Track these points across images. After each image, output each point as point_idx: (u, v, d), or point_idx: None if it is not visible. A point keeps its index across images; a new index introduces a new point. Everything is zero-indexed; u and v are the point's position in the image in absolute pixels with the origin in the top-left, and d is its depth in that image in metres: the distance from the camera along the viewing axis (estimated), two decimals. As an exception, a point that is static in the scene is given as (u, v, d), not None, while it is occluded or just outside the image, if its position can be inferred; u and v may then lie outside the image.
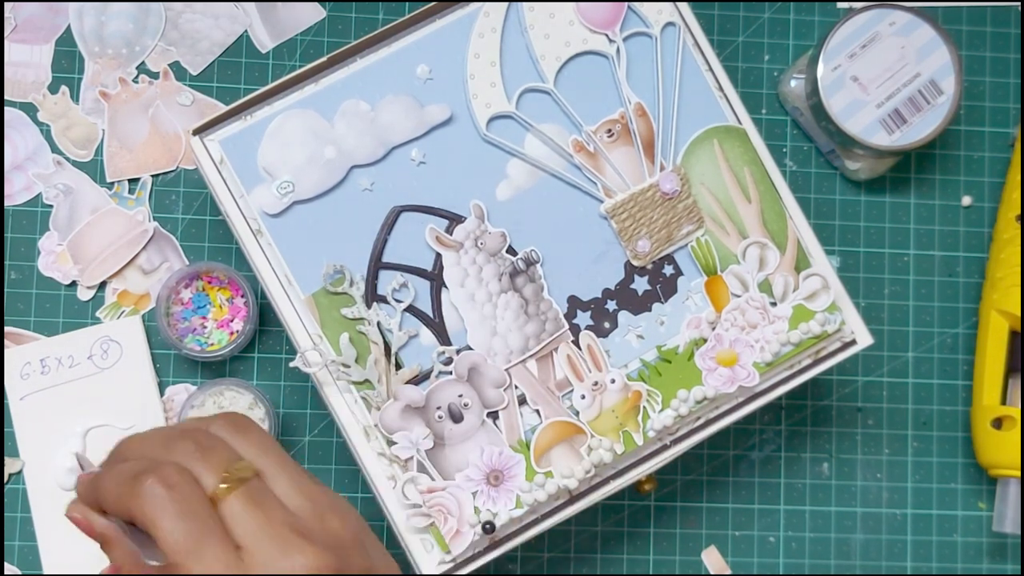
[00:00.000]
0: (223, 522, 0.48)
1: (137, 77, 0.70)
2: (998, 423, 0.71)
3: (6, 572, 0.66)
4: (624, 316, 0.63)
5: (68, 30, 0.69)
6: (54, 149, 0.69)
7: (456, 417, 0.60)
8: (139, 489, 0.48)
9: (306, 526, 0.49)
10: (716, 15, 0.74)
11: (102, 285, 0.69)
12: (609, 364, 0.62)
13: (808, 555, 0.72)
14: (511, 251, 0.62)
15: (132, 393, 0.67)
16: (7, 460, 0.67)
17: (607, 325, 0.62)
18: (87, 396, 0.67)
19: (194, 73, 0.70)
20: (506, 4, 0.62)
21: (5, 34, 0.69)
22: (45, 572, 0.67)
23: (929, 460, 0.74)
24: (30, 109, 0.69)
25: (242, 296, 0.67)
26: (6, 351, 0.67)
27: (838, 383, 0.73)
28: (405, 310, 0.61)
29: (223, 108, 0.62)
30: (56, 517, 0.66)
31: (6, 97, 0.69)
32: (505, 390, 0.61)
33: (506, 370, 0.61)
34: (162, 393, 0.68)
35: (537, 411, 0.61)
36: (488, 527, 0.59)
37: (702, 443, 0.64)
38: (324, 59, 0.61)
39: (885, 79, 0.69)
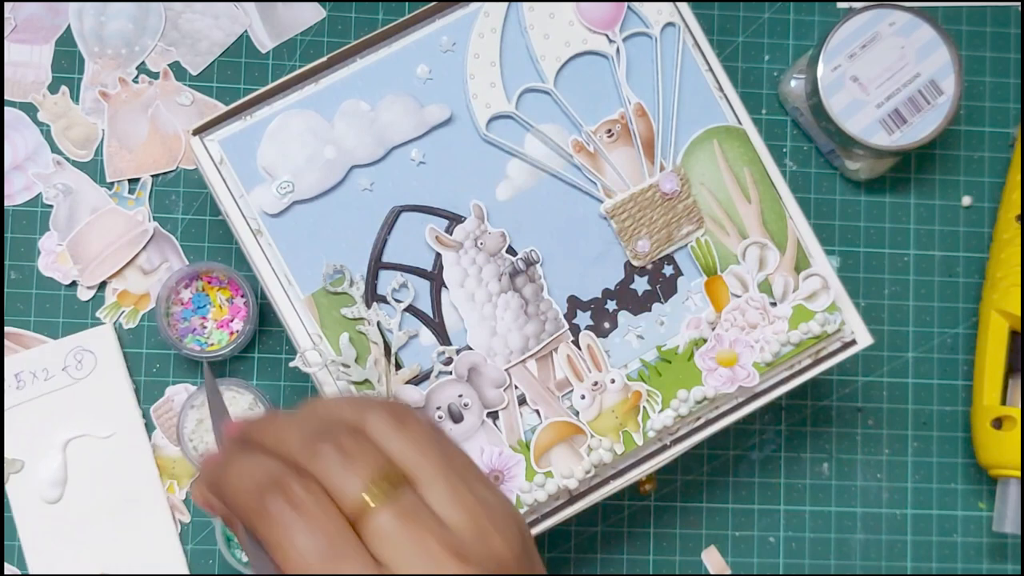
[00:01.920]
0: (366, 541, 0.42)
1: (137, 77, 0.70)
2: (998, 423, 0.71)
3: (6, 572, 0.66)
4: (624, 316, 0.63)
5: (68, 30, 0.69)
6: (54, 149, 0.69)
7: (456, 417, 0.60)
8: (263, 509, 0.42)
9: (464, 546, 0.42)
10: (716, 15, 0.74)
11: (102, 285, 0.69)
12: (609, 364, 0.62)
13: (808, 555, 0.72)
14: (511, 251, 0.62)
15: (109, 401, 0.67)
16: (10, 460, 0.67)
17: (607, 325, 0.62)
18: (65, 408, 0.67)
19: (194, 73, 0.70)
20: (506, 4, 0.62)
21: (5, 34, 0.69)
22: None
23: (929, 460, 0.74)
24: (30, 109, 0.69)
25: (242, 296, 0.67)
26: None
27: (838, 383, 0.73)
28: (405, 310, 0.61)
29: (223, 108, 0.62)
30: (41, 531, 0.66)
31: (6, 97, 0.69)
32: (505, 390, 0.61)
33: (506, 370, 0.61)
34: (162, 393, 0.68)
35: (537, 411, 0.61)
36: (488, 527, 0.59)
37: (702, 443, 0.64)
38: (324, 59, 0.61)
39: (885, 79, 0.69)
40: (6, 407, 0.67)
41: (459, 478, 0.44)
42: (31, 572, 0.66)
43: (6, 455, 0.66)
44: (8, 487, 0.67)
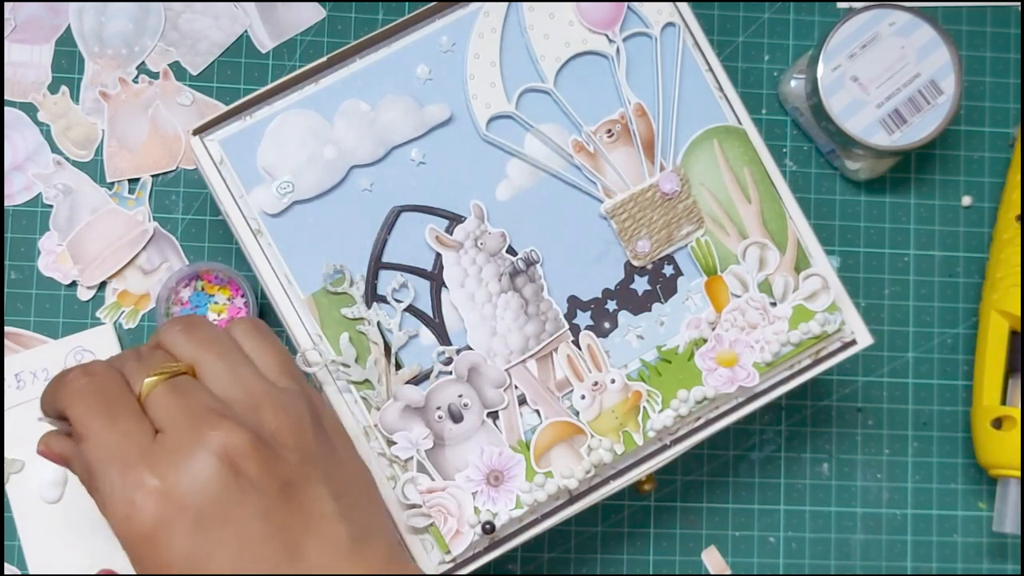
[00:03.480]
0: (147, 413, 0.48)
1: (137, 77, 0.70)
2: (998, 423, 0.71)
3: (6, 572, 0.66)
4: (624, 316, 0.63)
5: (68, 30, 0.69)
6: (54, 149, 0.69)
7: (456, 417, 0.60)
8: (65, 381, 0.49)
9: (230, 410, 0.48)
10: (716, 15, 0.74)
11: (102, 285, 0.69)
12: (609, 364, 0.62)
13: (808, 555, 0.72)
14: (511, 251, 0.62)
15: None
16: (8, 460, 0.67)
17: (607, 325, 0.62)
18: None
19: (194, 73, 0.70)
20: (506, 4, 0.62)
21: (5, 34, 0.69)
22: None
23: (929, 460, 0.74)
24: (30, 109, 0.69)
25: (242, 296, 0.67)
26: None
27: (838, 383, 0.73)
28: (405, 310, 0.61)
29: (223, 108, 0.62)
30: (41, 531, 0.66)
31: (6, 97, 0.69)
32: (505, 390, 0.61)
33: (506, 370, 0.61)
34: (162, 393, 0.68)
35: (537, 411, 0.61)
36: (488, 527, 0.59)
37: (702, 443, 0.64)
38: (324, 59, 0.61)
39: (885, 79, 0.69)
40: (6, 407, 0.67)
41: (244, 367, 0.51)
42: (31, 572, 0.66)
43: (6, 455, 0.66)
44: (8, 487, 0.67)
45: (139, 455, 0.46)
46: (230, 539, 0.46)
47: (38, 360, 0.67)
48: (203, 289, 0.68)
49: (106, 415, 0.48)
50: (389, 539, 0.52)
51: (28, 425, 0.67)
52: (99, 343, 0.68)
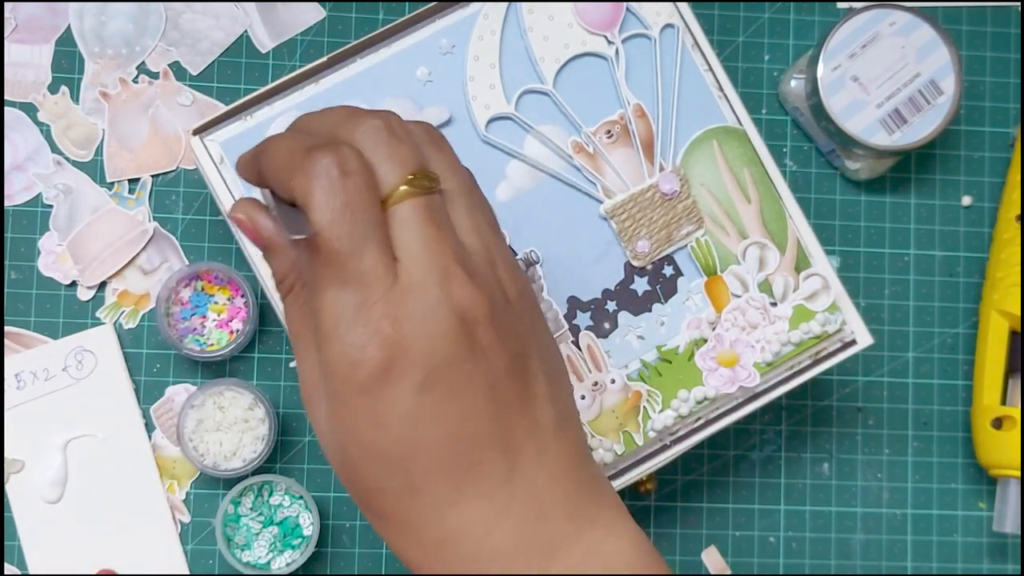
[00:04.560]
0: (388, 227, 0.42)
1: (137, 77, 0.70)
2: (998, 423, 0.71)
3: (6, 572, 0.66)
4: (624, 316, 0.63)
5: (68, 30, 0.69)
6: (54, 149, 0.69)
7: (456, 418, 0.60)
8: (310, 165, 0.41)
9: (471, 263, 0.43)
10: (716, 15, 0.74)
11: (102, 285, 0.69)
12: (609, 364, 0.62)
13: (808, 555, 0.72)
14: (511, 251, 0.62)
15: (109, 401, 0.67)
16: (11, 460, 0.67)
17: (607, 326, 0.62)
18: (65, 408, 0.67)
19: (194, 73, 0.70)
20: (505, 6, 0.62)
21: (5, 34, 0.69)
22: None
23: (929, 460, 0.74)
24: (30, 109, 0.69)
25: (242, 296, 0.67)
26: None
27: (838, 383, 0.73)
28: (405, 311, 0.61)
29: (223, 108, 0.62)
30: (41, 531, 0.66)
31: (6, 97, 0.69)
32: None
33: (506, 371, 0.61)
34: (162, 393, 0.68)
35: (537, 412, 0.61)
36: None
37: (702, 443, 0.64)
38: (324, 59, 0.61)
39: (885, 79, 0.69)
40: (7, 407, 0.67)
41: (481, 212, 0.45)
42: (31, 572, 0.66)
43: (7, 455, 0.66)
44: (8, 487, 0.67)
45: (379, 293, 0.41)
46: (453, 408, 0.42)
47: (38, 360, 0.67)
48: (203, 289, 0.68)
49: (356, 242, 0.41)
50: (579, 426, 0.48)
51: (29, 425, 0.67)
52: (99, 343, 0.68)
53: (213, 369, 0.69)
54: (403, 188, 0.42)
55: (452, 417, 0.42)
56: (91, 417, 0.67)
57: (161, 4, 0.70)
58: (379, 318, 0.41)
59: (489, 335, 0.42)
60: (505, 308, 0.43)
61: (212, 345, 0.67)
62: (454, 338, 0.42)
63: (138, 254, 0.69)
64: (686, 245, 0.63)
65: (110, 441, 0.67)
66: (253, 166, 0.45)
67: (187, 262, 0.69)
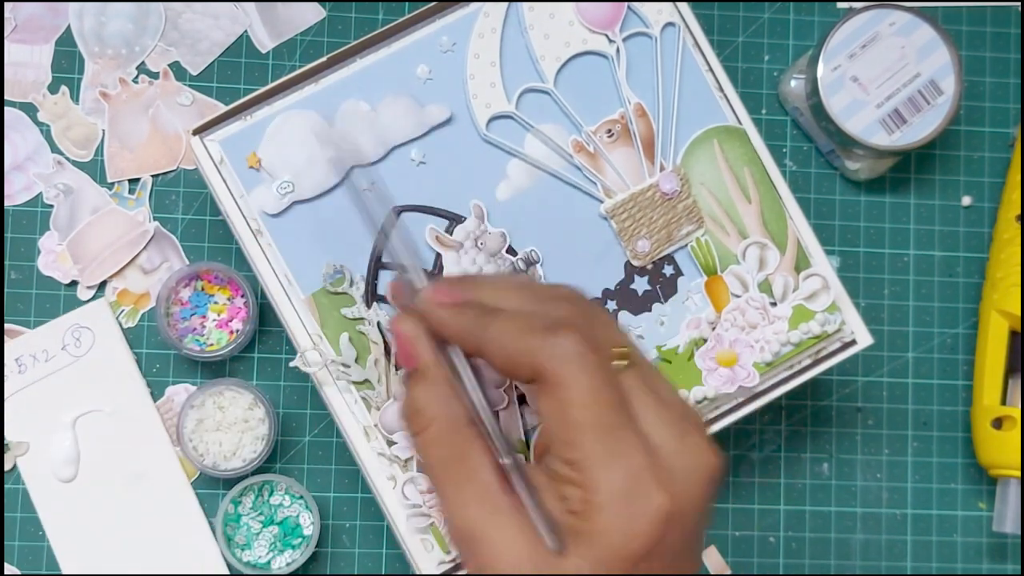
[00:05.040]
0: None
1: (137, 77, 0.70)
2: (998, 423, 0.71)
3: (6, 572, 0.66)
4: (624, 316, 0.62)
5: (68, 30, 0.69)
6: (54, 149, 0.69)
7: (456, 417, 0.60)
8: (557, 344, 0.43)
9: (692, 416, 0.45)
10: (716, 15, 0.74)
11: (102, 285, 0.69)
12: (609, 364, 0.62)
13: (808, 555, 0.72)
14: (511, 251, 0.62)
15: (113, 375, 0.68)
16: (15, 444, 0.67)
17: (607, 325, 0.62)
18: (69, 386, 0.67)
19: (194, 73, 0.70)
20: (506, 4, 0.62)
21: (5, 34, 0.69)
22: (61, 566, 0.67)
23: (929, 460, 0.74)
24: (30, 109, 0.69)
25: (242, 296, 0.67)
26: None
27: (838, 383, 0.73)
28: (405, 310, 0.61)
29: (223, 108, 0.62)
30: (60, 509, 0.67)
31: (6, 97, 0.69)
32: (505, 390, 0.61)
33: (506, 370, 0.61)
34: (162, 393, 0.68)
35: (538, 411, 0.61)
36: (488, 527, 0.59)
37: (702, 443, 0.64)
38: (324, 59, 0.61)
39: (885, 79, 0.69)
40: (10, 392, 0.67)
41: (662, 382, 0.47)
42: (56, 551, 0.66)
43: (15, 438, 0.67)
44: (22, 470, 0.67)
45: (648, 467, 0.43)
46: (690, 555, 0.45)
47: (37, 342, 0.67)
48: (203, 289, 0.68)
49: (617, 417, 0.43)
50: None
51: (35, 407, 0.67)
52: (95, 319, 0.68)
53: (213, 369, 0.69)
54: (619, 363, 0.44)
55: (688, 562, 0.45)
56: (96, 392, 0.67)
57: (161, 4, 0.70)
58: (655, 490, 0.42)
59: (712, 495, 0.45)
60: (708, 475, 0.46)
61: (212, 345, 0.67)
62: (709, 497, 0.44)
63: (138, 254, 0.69)
64: (686, 245, 0.63)
65: (118, 414, 0.67)
66: (472, 340, 0.46)
67: (187, 262, 0.69)
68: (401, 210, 0.61)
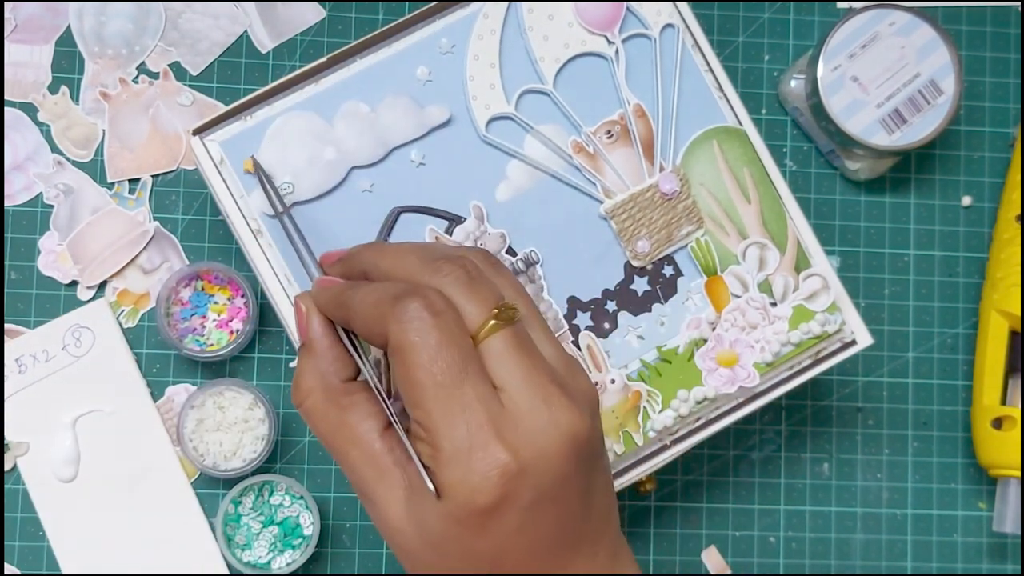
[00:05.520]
0: (483, 360, 0.45)
1: (137, 77, 0.70)
2: (998, 423, 0.71)
3: (6, 572, 0.66)
4: (624, 317, 0.63)
5: (68, 30, 0.69)
6: (54, 149, 0.69)
7: (456, 418, 0.60)
8: (401, 311, 0.45)
9: (560, 377, 0.46)
10: (716, 15, 0.74)
11: (102, 285, 0.69)
12: (609, 364, 0.62)
13: (808, 555, 0.72)
14: (511, 252, 0.62)
15: (113, 374, 0.68)
16: (15, 444, 0.67)
17: (607, 326, 0.62)
18: (69, 386, 0.67)
19: (194, 73, 0.70)
20: (505, 5, 0.62)
21: (5, 34, 0.69)
22: (61, 566, 0.67)
23: (929, 460, 0.74)
24: (30, 109, 0.69)
25: (242, 296, 0.67)
26: None
27: (838, 383, 0.73)
28: (405, 311, 0.61)
29: (223, 108, 0.62)
30: (61, 510, 0.67)
31: (6, 97, 0.69)
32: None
33: (506, 371, 0.61)
34: (162, 393, 0.68)
35: (537, 412, 0.61)
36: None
37: (702, 443, 0.64)
38: (324, 59, 0.61)
39: (885, 79, 0.69)
40: (10, 393, 0.67)
41: (546, 325, 0.49)
42: (56, 551, 0.66)
43: (15, 438, 0.67)
44: (22, 470, 0.67)
45: (489, 423, 0.44)
46: (552, 518, 0.45)
47: (37, 342, 0.67)
48: (203, 289, 0.68)
49: (457, 374, 0.44)
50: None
51: (35, 407, 0.67)
52: (95, 319, 0.68)
53: (213, 369, 0.69)
54: (491, 323, 0.45)
55: (550, 525, 0.45)
56: (96, 392, 0.67)
57: (161, 4, 0.70)
58: (495, 446, 0.44)
59: (589, 451, 0.46)
60: (594, 415, 0.47)
61: (212, 345, 0.67)
62: (565, 457, 0.44)
63: (138, 254, 0.69)
64: (686, 245, 0.63)
65: (118, 414, 0.67)
66: (333, 309, 0.50)
67: (187, 262, 0.69)
68: (401, 211, 0.61)
